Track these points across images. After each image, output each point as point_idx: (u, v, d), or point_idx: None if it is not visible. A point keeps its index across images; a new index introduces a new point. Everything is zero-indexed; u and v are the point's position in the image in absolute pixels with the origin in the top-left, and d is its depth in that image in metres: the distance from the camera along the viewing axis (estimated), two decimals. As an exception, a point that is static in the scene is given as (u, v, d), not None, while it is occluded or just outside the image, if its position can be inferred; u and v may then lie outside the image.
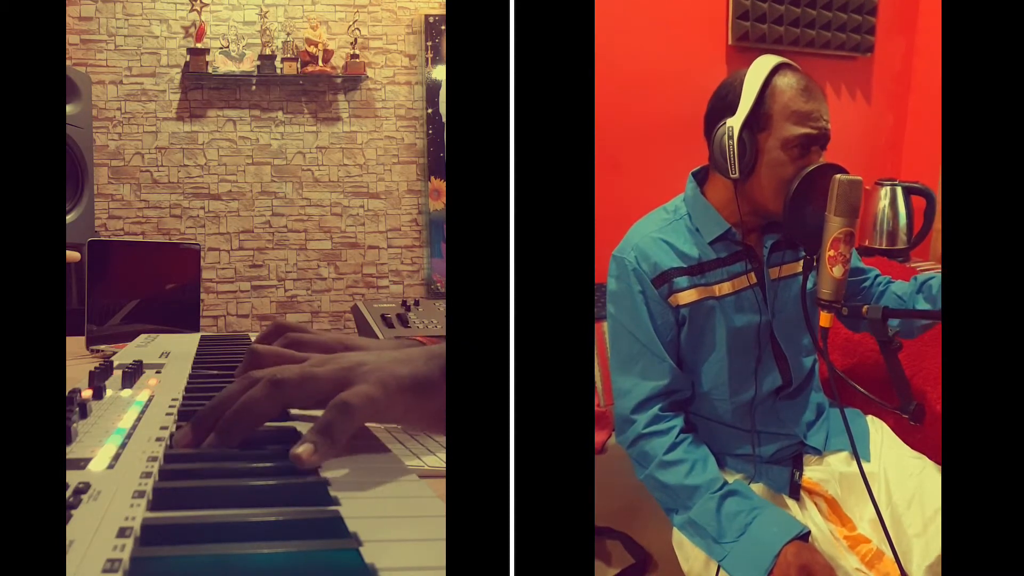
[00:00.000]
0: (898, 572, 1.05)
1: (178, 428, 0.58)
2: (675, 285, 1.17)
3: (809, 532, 1.08)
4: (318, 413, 0.55)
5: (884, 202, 2.26)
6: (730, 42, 2.17)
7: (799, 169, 1.12)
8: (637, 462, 1.18)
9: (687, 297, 1.18)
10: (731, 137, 1.14)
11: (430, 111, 3.86)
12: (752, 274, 1.20)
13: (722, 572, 1.08)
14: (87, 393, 0.69)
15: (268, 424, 0.60)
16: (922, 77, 2.54)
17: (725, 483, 1.12)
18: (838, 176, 1.04)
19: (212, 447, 0.54)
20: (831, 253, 1.04)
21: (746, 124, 1.14)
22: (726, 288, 1.19)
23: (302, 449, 0.51)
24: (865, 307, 1.04)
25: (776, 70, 1.15)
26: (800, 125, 1.12)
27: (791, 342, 1.24)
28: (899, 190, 2.26)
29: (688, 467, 1.13)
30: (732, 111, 1.15)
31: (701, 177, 1.24)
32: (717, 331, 1.19)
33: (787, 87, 1.13)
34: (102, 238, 2.48)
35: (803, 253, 1.18)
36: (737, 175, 1.15)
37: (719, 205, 1.20)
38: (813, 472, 1.24)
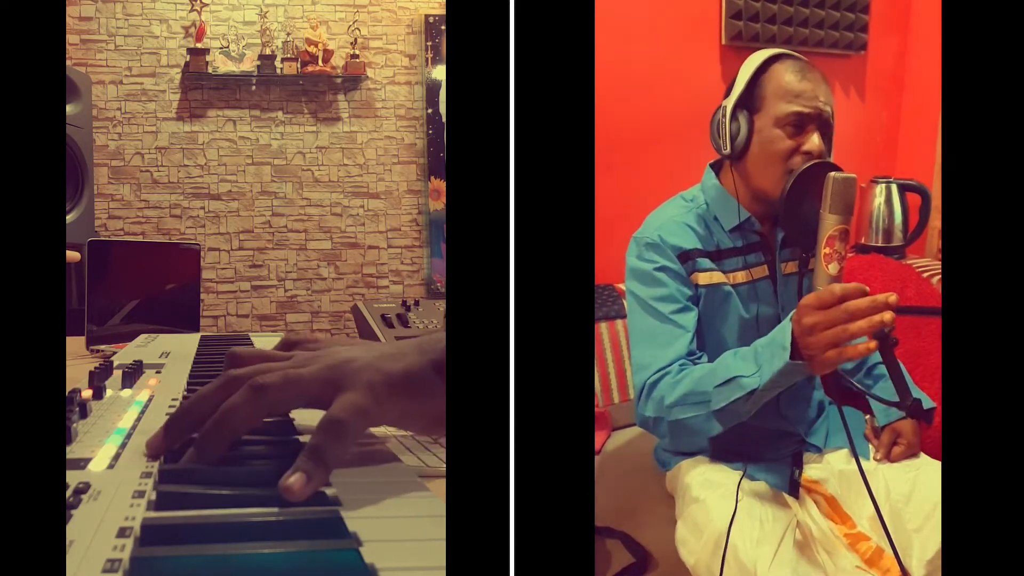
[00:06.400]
0: (898, 569, 1.05)
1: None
2: (698, 264, 1.20)
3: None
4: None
5: (879, 199, 2.26)
6: (724, 42, 2.17)
7: (795, 145, 1.15)
8: (655, 417, 1.15)
9: (706, 278, 1.20)
10: (724, 115, 1.19)
11: (430, 111, 3.86)
12: (766, 266, 1.23)
13: (727, 563, 1.07)
14: (87, 393, 0.69)
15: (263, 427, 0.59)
16: (916, 74, 2.54)
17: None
18: (832, 174, 1.05)
19: (191, 463, 0.50)
20: (827, 251, 1.04)
21: (740, 103, 1.18)
22: (740, 277, 1.22)
23: (293, 479, 0.46)
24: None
25: (776, 58, 1.19)
26: (791, 103, 1.15)
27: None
28: (894, 187, 2.26)
29: (695, 371, 1.11)
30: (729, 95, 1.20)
31: (718, 167, 1.27)
32: (729, 318, 1.22)
33: (782, 69, 1.18)
34: (102, 238, 2.48)
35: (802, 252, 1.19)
36: (729, 151, 1.18)
37: (736, 194, 1.22)
38: (813, 470, 1.24)
